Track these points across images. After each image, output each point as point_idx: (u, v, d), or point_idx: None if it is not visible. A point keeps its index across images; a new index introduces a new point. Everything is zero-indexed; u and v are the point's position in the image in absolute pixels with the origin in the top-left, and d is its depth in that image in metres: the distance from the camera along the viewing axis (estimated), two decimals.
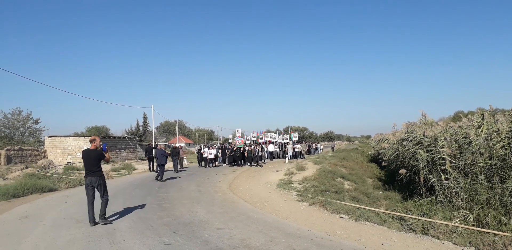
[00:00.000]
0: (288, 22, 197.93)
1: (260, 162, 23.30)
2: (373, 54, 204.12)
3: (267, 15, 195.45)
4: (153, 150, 18.82)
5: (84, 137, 29.21)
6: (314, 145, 44.14)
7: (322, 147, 51.74)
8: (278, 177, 14.99)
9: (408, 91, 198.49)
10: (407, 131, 14.27)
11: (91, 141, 7.19)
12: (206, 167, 22.19)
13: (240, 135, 29.10)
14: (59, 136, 28.08)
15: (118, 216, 7.68)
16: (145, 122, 57.31)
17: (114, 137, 32.21)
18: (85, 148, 7.55)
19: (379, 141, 21.23)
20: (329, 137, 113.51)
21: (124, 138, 33.69)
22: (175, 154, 18.88)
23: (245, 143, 28.09)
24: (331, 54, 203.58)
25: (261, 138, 31.49)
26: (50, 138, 28.05)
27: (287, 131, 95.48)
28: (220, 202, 9.57)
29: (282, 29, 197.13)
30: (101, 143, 7.29)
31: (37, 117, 36.59)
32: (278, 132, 43.65)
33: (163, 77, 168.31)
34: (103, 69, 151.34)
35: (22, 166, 22.31)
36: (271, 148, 28.97)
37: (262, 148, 25.07)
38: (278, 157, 30.09)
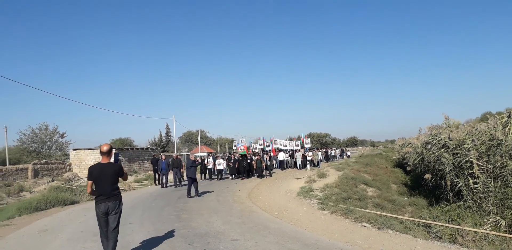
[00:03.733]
0: (306, 27, 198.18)
1: (267, 172, 20.82)
2: (396, 58, 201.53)
3: (284, 21, 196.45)
4: (158, 161, 16.96)
5: (114, 153, 29.62)
6: (332, 151, 39.57)
7: (349, 153, 46.93)
8: (299, 184, 14.73)
9: (435, 94, 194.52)
10: (431, 133, 13.80)
11: (106, 152, 5.26)
12: (210, 179, 19.47)
13: (246, 144, 25.50)
14: (83, 149, 28.66)
15: (134, 227, 7.62)
16: (167, 133, 58.12)
17: (137, 148, 32.64)
18: (93, 163, 5.57)
19: (402, 145, 20.61)
20: (353, 143, 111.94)
21: (147, 149, 34.10)
22: (176, 165, 16.38)
23: (250, 150, 25.69)
24: (354, 59, 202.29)
25: (268, 145, 28.05)
26: (74, 151, 28.67)
27: (308, 137, 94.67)
28: (238, 211, 9.41)
29: (301, 35, 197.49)
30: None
31: (63, 131, 37.67)
32: (297, 139, 38.48)
33: (184, 87, 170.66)
34: (125, 82, 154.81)
35: (48, 179, 22.85)
36: (281, 156, 26.23)
37: (270, 156, 23.10)
38: (289, 166, 27.22)
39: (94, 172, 5.19)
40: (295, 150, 28.15)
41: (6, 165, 28.00)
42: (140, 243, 6.26)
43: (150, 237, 6.70)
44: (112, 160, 5.37)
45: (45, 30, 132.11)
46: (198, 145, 56.39)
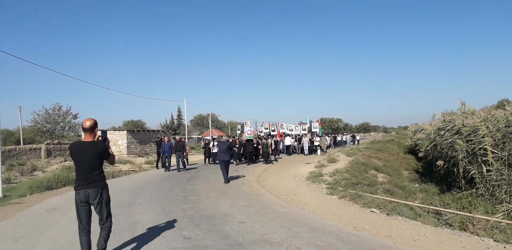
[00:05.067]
0: (320, 12, 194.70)
1: (273, 157, 20.11)
2: (411, 44, 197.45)
3: (297, 7, 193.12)
4: (161, 144, 16.09)
5: (120, 130, 29.85)
6: (342, 136, 40.28)
7: (358, 137, 46.34)
8: (308, 169, 14.65)
9: (450, 81, 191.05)
10: (444, 119, 13.49)
11: (88, 128, 4.25)
12: (215, 164, 17.88)
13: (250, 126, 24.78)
14: None
15: (142, 208, 7.66)
16: (179, 116, 58.43)
17: (148, 130, 32.89)
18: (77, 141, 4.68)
19: (415, 131, 20.26)
20: (365, 128, 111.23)
21: (158, 131, 34.30)
22: (180, 148, 15.50)
23: (256, 134, 24.57)
24: (366, 44, 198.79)
25: (274, 130, 27.27)
26: None
27: (320, 122, 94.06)
28: (246, 194, 9.38)
29: (313, 20, 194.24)
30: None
31: (76, 112, 38.02)
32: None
33: (196, 71, 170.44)
34: (138, 64, 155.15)
35: (61, 159, 23.18)
36: (288, 141, 25.28)
37: (276, 141, 21.77)
38: (296, 152, 26.29)
39: (73, 150, 4.24)
40: (302, 135, 27.04)
41: (20, 144, 28.53)
42: (147, 223, 6.27)
43: (157, 218, 6.72)
44: (99, 138, 4.37)
45: (60, 11, 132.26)
46: (209, 128, 56.56)
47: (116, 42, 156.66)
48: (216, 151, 17.95)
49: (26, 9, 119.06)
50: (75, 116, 37.95)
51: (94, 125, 4.28)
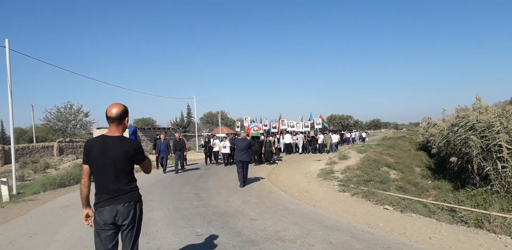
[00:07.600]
0: (329, 10, 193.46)
1: (275, 156, 18.26)
2: (422, 41, 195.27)
3: (308, 4, 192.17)
4: (156, 141, 14.48)
5: (128, 127, 29.89)
6: (350, 133, 37.79)
7: (364, 135, 41.63)
8: (319, 166, 14.56)
9: (462, 76, 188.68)
10: (458, 115, 13.28)
11: (116, 117, 2.86)
12: (217, 164, 17.04)
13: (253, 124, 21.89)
14: (106, 128, 29.10)
15: (154, 205, 7.67)
16: (189, 113, 58.49)
17: (159, 128, 33.03)
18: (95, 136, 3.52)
19: (427, 126, 19.85)
20: (375, 125, 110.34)
21: (169, 128, 34.45)
22: (179, 147, 13.88)
23: (263, 131, 22.16)
24: (377, 41, 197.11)
25: (274, 127, 24.82)
26: (98, 130, 29.20)
27: (330, 119, 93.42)
28: (257, 191, 9.35)
29: (323, 17, 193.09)
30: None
31: (87, 111, 38.42)
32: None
33: (206, 68, 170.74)
34: (147, 63, 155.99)
35: (72, 156, 23.44)
36: (287, 139, 23.14)
37: (278, 139, 20.41)
38: (297, 151, 23.66)
39: (93, 150, 2.84)
40: (298, 132, 24.89)
41: (33, 142, 28.90)
42: (159, 220, 6.27)
43: (169, 215, 6.72)
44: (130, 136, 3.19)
45: (69, 10, 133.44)
46: (219, 125, 56.67)
47: (127, 40, 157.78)
48: (217, 149, 16.80)
49: (37, 8, 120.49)
50: (86, 115, 38.40)
51: (124, 113, 2.92)
